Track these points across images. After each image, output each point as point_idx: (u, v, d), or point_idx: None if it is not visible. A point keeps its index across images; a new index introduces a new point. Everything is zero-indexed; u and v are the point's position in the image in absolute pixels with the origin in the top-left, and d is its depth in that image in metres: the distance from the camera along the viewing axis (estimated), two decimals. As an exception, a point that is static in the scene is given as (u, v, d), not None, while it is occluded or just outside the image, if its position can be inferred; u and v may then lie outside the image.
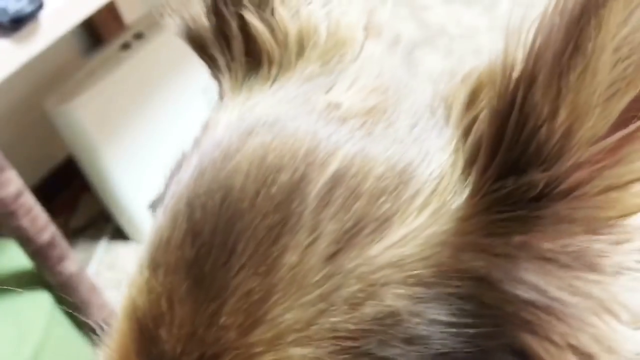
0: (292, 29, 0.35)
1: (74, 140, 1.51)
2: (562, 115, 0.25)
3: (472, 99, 0.30)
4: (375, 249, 0.27)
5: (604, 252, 0.27)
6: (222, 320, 0.27)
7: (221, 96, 0.36)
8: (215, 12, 0.36)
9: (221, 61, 0.36)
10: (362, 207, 0.28)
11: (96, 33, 1.67)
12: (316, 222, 0.27)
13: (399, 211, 0.28)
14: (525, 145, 0.26)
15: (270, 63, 0.35)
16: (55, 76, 1.51)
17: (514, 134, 0.26)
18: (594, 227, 0.26)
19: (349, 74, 0.34)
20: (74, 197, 1.80)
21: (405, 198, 0.28)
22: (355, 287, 0.26)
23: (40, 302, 1.23)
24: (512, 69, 0.26)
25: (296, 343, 0.26)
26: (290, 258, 0.27)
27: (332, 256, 0.27)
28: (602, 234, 0.27)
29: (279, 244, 0.27)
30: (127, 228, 1.70)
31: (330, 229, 0.27)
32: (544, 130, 0.25)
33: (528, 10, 0.27)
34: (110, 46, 1.53)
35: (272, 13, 0.36)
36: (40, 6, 0.96)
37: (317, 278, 0.27)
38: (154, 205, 1.65)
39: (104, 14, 1.57)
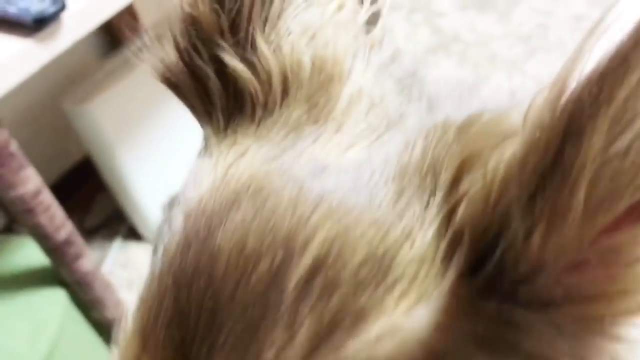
0: (275, 67, 0.33)
1: (91, 141, 1.53)
2: (539, 234, 0.23)
3: (459, 174, 0.28)
4: (352, 346, 0.26)
5: (602, 349, 0.25)
6: None
7: (205, 142, 0.35)
8: (187, 59, 0.34)
9: (200, 107, 0.35)
10: (340, 300, 0.26)
11: (115, 35, 1.69)
12: (294, 317, 0.27)
13: (377, 303, 0.26)
14: (500, 262, 0.25)
15: (254, 105, 0.33)
16: (74, 77, 1.54)
17: (490, 247, 0.25)
18: (585, 328, 0.25)
19: (335, 116, 0.32)
20: (89, 197, 1.82)
21: (384, 287, 0.26)
22: None
23: (56, 299, 1.24)
24: (493, 176, 0.25)
25: None
26: (268, 355, 0.27)
27: (309, 354, 0.26)
28: (597, 332, 0.25)
29: (257, 340, 0.27)
30: (141, 228, 1.72)
31: (307, 324, 0.26)
32: (518, 249, 0.24)
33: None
34: (129, 48, 1.55)
35: (253, 49, 0.34)
36: (62, 7, 0.98)
37: None
38: (166, 208, 1.66)
39: (123, 17, 1.59)
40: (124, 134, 1.53)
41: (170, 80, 0.36)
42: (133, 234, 1.75)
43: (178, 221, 0.31)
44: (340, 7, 0.35)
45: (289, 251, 0.27)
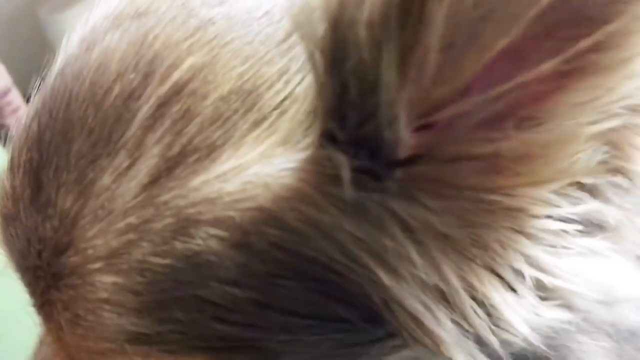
0: None
1: (65, 54, 1.49)
2: (391, 80, 0.20)
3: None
4: (195, 181, 0.24)
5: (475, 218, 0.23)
6: (43, 236, 0.27)
7: None
8: None
9: None
10: (192, 133, 0.25)
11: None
12: (138, 144, 0.25)
13: (231, 140, 0.24)
14: (353, 116, 0.22)
15: None
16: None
17: (339, 96, 0.22)
18: (455, 193, 0.23)
19: None
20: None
21: (242, 125, 0.25)
22: (168, 221, 0.24)
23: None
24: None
25: (102, 271, 0.25)
26: (105, 181, 0.25)
27: (148, 184, 0.25)
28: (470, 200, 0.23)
29: (97, 164, 0.25)
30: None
31: (152, 153, 0.25)
32: (372, 102, 0.21)
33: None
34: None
35: None
36: None
37: (129, 206, 0.25)
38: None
39: None
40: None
41: None
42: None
43: (68, 45, 0.30)
44: None
45: (149, 75, 0.26)
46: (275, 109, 0.25)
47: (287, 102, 0.25)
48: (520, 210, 0.23)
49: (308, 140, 0.24)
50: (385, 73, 0.20)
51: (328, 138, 0.23)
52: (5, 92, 1.07)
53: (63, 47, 0.30)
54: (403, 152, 0.22)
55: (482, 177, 0.23)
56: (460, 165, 0.22)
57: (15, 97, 1.09)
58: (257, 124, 0.25)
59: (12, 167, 0.28)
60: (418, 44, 0.20)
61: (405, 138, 0.22)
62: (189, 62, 0.26)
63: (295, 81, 0.25)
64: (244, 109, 0.25)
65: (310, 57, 0.22)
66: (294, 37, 0.26)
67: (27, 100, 1.13)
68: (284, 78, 0.25)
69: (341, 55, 0.21)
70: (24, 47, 1.58)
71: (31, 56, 1.69)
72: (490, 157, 0.22)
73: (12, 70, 1.10)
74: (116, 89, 0.26)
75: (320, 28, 0.21)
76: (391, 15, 0.20)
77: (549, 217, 0.24)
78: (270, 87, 0.25)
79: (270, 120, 0.25)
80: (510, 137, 0.22)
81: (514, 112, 0.22)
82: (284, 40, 0.26)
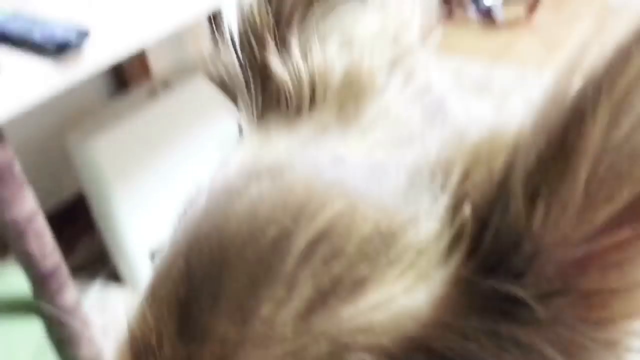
0: (305, 73, 0.35)
1: (87, 179, 1.53)
2: (539, 218, 0.24)
3: (467, 171, 0.29)
4: (347, 312, 0.27)
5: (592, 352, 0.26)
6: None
7: (241, 134, 0.37)
8: (241, 55, 0.37)
9: (242, 100, 0.37)
10: (341, 268, 0.28)
11: (122, 77, 1.72)
12: (294, 279, 0.28)
13: (377, 276, 0.27)
14: (502, 251, 0.26)
15: (288, 104, 0.36)
16: (80, 114, 1.55)
17: (492, 236, 0.26)
18: (580, 326, 0.26)
19: (360, 125, 0.34)
20: (76, 236, 1.80)
21: (385, 263, 0.28)
22: (323, 348, 0.27)
23: (32, 330, 1.21)
24: (494, 169, 0.26)
25: None
26: (265, 311, 0.28)
27: (305, 314, 0.27)
28: (590, 334, 0.26)
29: (257, 296, 0.28)
30: (123, 271, 1.69)
31: (306, 286, 0.28)
32: (518, 233, 0.25)
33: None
34: (138, 92, 1.58)
35: (288, 52, 0.36)
36: (85, 37, 1.00)
37: (287, 334, 0.27)
38: (154, 255, 1.64)
39: (133, 59, 1.63)
40: (122, 177, 1.53)
41: (222, 79, 0.38)
42: (114, 278, 1.72)
43: (204, 196, 0.33)
44: (387, 21, 0.37)
45: (297, 220, 0.29)
46: (411, 247, 0.28)
47: (420, 245, 0.28)
48: (615, 342, 0.26)
49: (445, 274, 0.27)
50: (535, 215, 0.24)
51: (471, 270, 0.26)
52: (31, 218, 1.08)
53: (193, 201, 0.33)
54: (544, 287, 0.25)
55: (588, 312, 0.26)
56: (576, 298, 0.25)
57: (41, 223, 1.10)
58: (397, 261, 0.28)
59: (154, 302, 0.30)
60: (564, 193, 0.24)
61: (546, 273, 0.25)
62: (330, 210, 0.29)
63: (424, 225, 0.28)
64: (384, 248, 0.28)
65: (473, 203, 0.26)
66: (415, 191, 0.30)
67: (51, 225, 1.15)
68: (416, 225, 0.28)
69: (494, 200, 0.26)
70: (52, 173, 1.62)
71: (58, 182, 1.73)
72: (597, 292, 0.25)
73: (39, 196, 1.12)
74: (270, 230, 0.29)
75: (483, 182, 0.27)
76: (548, 170, 0.24)
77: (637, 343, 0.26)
78: (404, 230, 0.28)
79: (408, 257, 0.28)
80: (613, 274, 0.25)
81: (618, 250, 0.25)
82: (407, 193, 0.30)
